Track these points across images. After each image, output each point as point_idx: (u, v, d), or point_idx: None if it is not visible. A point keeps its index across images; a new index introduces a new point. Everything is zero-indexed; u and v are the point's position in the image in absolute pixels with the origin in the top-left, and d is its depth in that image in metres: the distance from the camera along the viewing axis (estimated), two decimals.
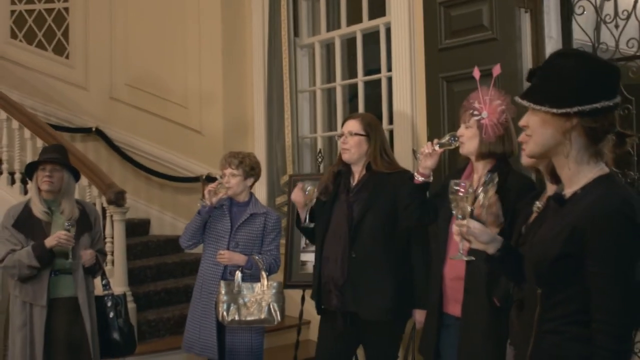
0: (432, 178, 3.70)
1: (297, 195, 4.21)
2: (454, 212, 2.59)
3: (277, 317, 4.40)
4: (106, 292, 4.55)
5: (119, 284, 5.78)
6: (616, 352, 2.11)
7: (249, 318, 4.36)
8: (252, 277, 4.44)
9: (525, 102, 2.29)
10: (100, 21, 8.13)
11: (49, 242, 4.20)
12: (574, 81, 2.23)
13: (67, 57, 8.37)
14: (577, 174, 2.25)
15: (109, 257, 5.96)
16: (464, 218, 2.55)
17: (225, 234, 4.52)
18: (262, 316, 4.37)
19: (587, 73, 2.23)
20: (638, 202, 2.15)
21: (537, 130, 2.27)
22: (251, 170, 4.62)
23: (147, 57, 7.85)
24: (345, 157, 4.17)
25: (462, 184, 2.60)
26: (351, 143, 4.13)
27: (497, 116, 3.37)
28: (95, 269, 4.48)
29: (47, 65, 8.38)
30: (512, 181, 3.37)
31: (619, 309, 2.10)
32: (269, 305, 4.37)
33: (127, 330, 4.58)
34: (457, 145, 3.58)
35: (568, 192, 2.28)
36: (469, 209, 2.62)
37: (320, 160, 6.35)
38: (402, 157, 5.42)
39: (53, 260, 4.26)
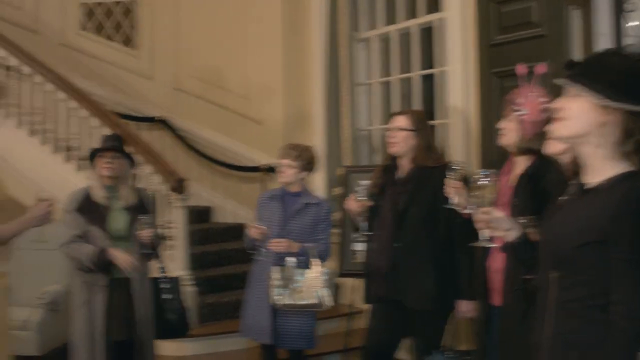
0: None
1: (350, 205, 4.36)
2: (477, 200, 2.70)
3: (327, 302, 4.57)
4: (162, 274, 4.75)
5: (180, 268, 6.02)
6: (635, 335, 2.16)
7: (299, 302, 4.54)
8: (303, 264, 4.60)
9: (574, 85, 2.30)
10: (166, 13, 8.38)
11: (114, 256, 4.41)
12: (627, 78, 2.26)
13: (134, 48, 8.67)
14: (604, 167, 2.28)
15: (171, 243, 6.20)
16: (486, 206, 2.67)
17: (278, 223, 4.70)
18: (312, 301, 4.54)
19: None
20: None
21: (575, 115, 2.28)
22: (307, 164, 4.75)
23: (211, 49, 8.07)
24: (393, 150, 4.31)
25: (486, 174, 2.71)
26: (399, 138, 4.26)
27: (538, 114, 3.44)
28: (149, 252, 4.66)
29: (115, 56, 8.69)
30: (550, 178, 3.44)
31: (638, 293, 2.18)
32: (318, 291, 4.54)
33: (181, 312, 4.77)
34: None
35: (591, 182, 2.32)
36: (491, 197, 2.73)
37: (375, 153, 6.46)
38: (456, 151, 5.52)
39: (110, 269, 4.46)
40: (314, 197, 4.84)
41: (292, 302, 4.53)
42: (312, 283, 4.55)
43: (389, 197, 4.29)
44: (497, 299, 3.60)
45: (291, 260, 4.55)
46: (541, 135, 3.45)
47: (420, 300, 4.13)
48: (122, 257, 4.40)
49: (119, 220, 4.55)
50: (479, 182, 2.84)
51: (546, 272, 2.36)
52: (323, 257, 4.68)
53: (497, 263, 3.57)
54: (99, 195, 4.56)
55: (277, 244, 4.55)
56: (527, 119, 3.46)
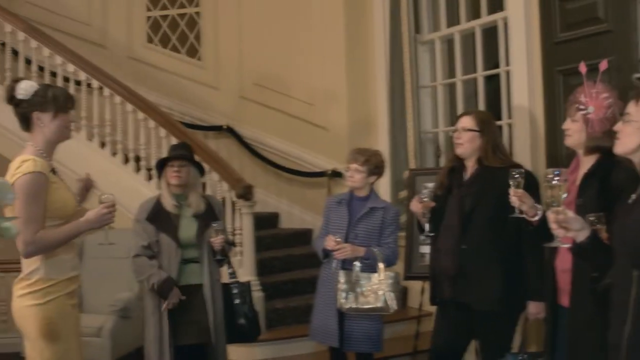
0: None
1: (415, 206, 4.31)
2: (548, 200, 2.67)
3: (393, 306, 4.55)
4: (232, 279, 4.80)
5: (247, 274, 6.08)
6: None
7: (365, 306, 4.53)
8: (369, 267, 4.60)
9: None
10: (230, 24, 8.47)
11: (172, 294, 4.51)
12: None
13: (199, 59, 8.80)
14: None
15: (238, 249, 6.27)
16: (559, 206, 2.63)
17: (344, 227, 4.70)
18: (378, 305, 4.53)
19: None
20: None
21: None
22: (375, 168, 4.75)
23: (274, 57, 8.13)
24: (459, 151, 4.27)
25: (557, 173, 2.67)
26: (464, 138, 4.22)
27: (604, 111, 3.37)
28: (221, 258, 4.72)
29: (181, 67, 8.83)
30: (617, 177, 3.37)
31: None
32: (385, 295, 4.53)
33: (252, 316, 4.82)
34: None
35: None
36: (563, 197, 2.69)
37: (439, 155, 6.43)
38: (521, 151, 5.46)
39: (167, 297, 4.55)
40: (380, 201, 4.83)
41: (357, 305, 4.53)
42: (378, 287, 4.55)
43: (455, 198, 4.25)
44: (565, 300, 3.55)
45: (357, 264, 4.56)
46: (609, 133, 3.39)
47: (487, 302, 4.08)
48: (175, 297, 4.51)
49: (189, 228, 4.62)
50: (552, 182, 2.80)
51: (625, 271, 2.31)
52: (390, 261, 4.68)
53: (565, 263, 3.52)
54: (169, 203, 4.64)
55: (341, 252, 4.56)
56: (594, 117, 3.40)
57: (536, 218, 3.68)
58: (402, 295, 4.73)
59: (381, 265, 4.56)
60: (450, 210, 4.25)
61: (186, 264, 4.61)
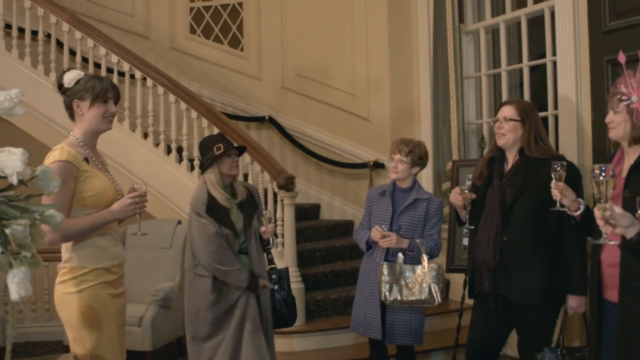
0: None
1: (455, 198, 4.24)
2: (595, 196, 2.60)
3: (438, 298, 4.52)
4: (271, 266, 4.79)
5: (288, 265, 6.04)
6: None
7: (410, 298, 4.50)
8: (413, 259, 4.56)
9: None
10: (272, 14, 8.46)
11: (262, 284, 4.55)
12: None
13: (241, 50, 8.78)
14: None
15: (279, 240, 6.26)
16: (606, 202, 2.56)
17: (387, 218, 4.66)
18: (423, 297, 4.50)
19: None
20: None
21: None
22: (419, 159, 4.72)
23: (316, 47, 8.10)
24: (500, 142, 4.20)
25: (604, 168, 2.60)
26: (506, 128, 4.15)
27: None
28: (269, 247, 4.73)
29: (224, 58, 8.83)
30: None
31: None
32: (429, 287, 4.49)
33: (290, 302, 4.80)
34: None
35: None
36: (610, 192, 2.62)
37: (483, 146, 6.36)
38: (567, 142, 5.37)
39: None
40: (424, 193, 4.78)
41: (401, 298, 4.50)
42: (422, 279, 4.51)
43: (496, 190, 4.18)
44: (611, 294, 3.47)
45: (400, 256, 4.52)
46: None
47: (528, 295, 4.02)
48: (264, 284, 4.56)
49: (238, 218, 4.60)
50: (598, 178, 2.74)
51: None
52: (433, 253, 4.65)
53: (612, 257, 3.44)
54: (223, 196, 4.58)
55: (386, 240, 4.51)
56: (637, 106, 3.31)
57: (578, 212, 3.61)
58: (445, 287, 4.68)
59: (425, 257, 4.52)
60: (490, 202, 4.18)
61: (238, 255, 4.56)
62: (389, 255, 4.61)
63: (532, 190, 4.02)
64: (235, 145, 4.76)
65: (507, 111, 4.19)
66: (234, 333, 4.45)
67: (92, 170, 3.48)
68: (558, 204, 3.53)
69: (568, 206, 3.54)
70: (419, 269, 4.54)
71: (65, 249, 3.42)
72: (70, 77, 3.49)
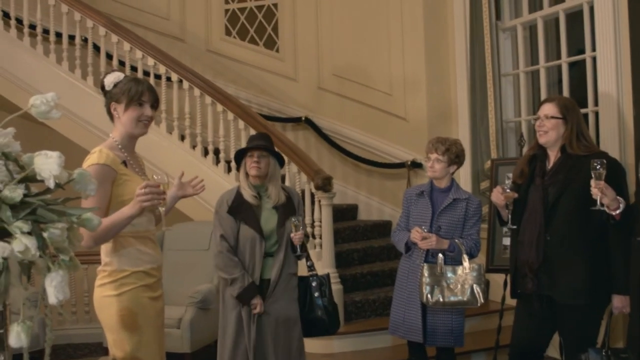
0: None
1: (496, 197, 4.17)
2: None
3: (480, 298, 4.46)
4: (311, 272, 4.75)
5: (326, 266, 6.05)
6: None
7: (452, 299, 4.44)
8: (453, 260, 4.51)
9: None
10: (307, 15, 8.45)
11: (253, 303, 4.47)
12: None
13: (277, 51, 8.79)
14: None
15: (317, 241, 6.23)
16: None
17: (427, 219, 4.60)
18: (465, 298, 4.44)
19: None
20: None
21: None
22: (456, 157, 4.65)
23: (352, 47, 8.07)
24: (542, 140, 4.12)
25: None
26: (548, 126, 4.08)
27: None
28: (301, 254, 4.62)
29: (259, 59, 8.84)
30: None
31: None
32: (471, 287, 4.43)
33: (332, 309, 4.74)
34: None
35: None
36: None
37: (522, 144, 6.28)
38: (608, 139, 5.28)
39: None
40: (463, 192, 4.71)
41: (444, 299, 4.44)
42: (464, 279, 4.45)
43: (538, 188, 4.11)
44: None
45: (441, 257, 4.47)
46: None
47: (572, 295, 3.95)
48: (257, 305, 4.48)
49: (269, 220, 4.57)
50: None
51: None
52: (473, 253, 4.58)
53: None
54: (249, 194, 4.59)
55: (427, 242, 4.46)
56: None
57: (618, 211, 3.53)
58: (486, 288, 4.62)
59: (466, 257, 4.46)
60: (533, 201, 4.12)
61: (267, 257, 4.56)
62: (429, 256, 4.56)
63: (574, 188, 3.94)
64: (266, 146, 4.71)
65: (548, 109, 4.12)
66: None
67: (130, 173, 3.46)
68: (599, 203, 3.46)
69: (607, 205, 3.47)
70: (460, 269, 4.48)
71: (105, 252, 3.41)
72: (110, 80, 3.49)
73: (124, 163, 3.47)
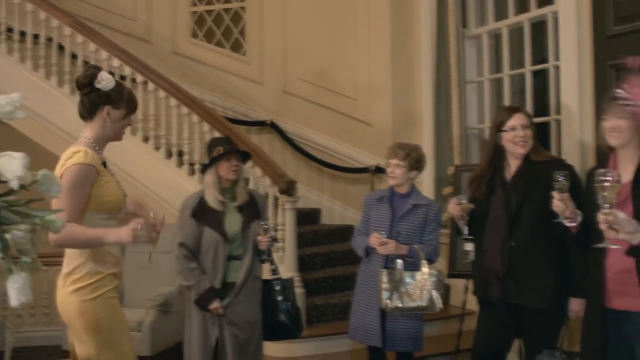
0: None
1: (452, 208, 4.22)
2: (599, 201, 2.60)
3: (439, 304, 4.48)
4: (274, 276, 4.75)
5: (289, 270, 6.06)
6: None
7: (411, 305, 4.46)
8: (412, 265, 4.52)
9: None
10: (275, 19, 8.46)
11: (214, 306, 4.47)
12: None
13: (243, 54, 8.80)
14: None
15: (280, 244, 6.24)
16: (610, 207, 2.56)
17: (386, 224, 4.61)
18: (424, 303, 4.46)
19: None
20: None
21: None
22: (416, 163, 4.64)
23: (319, 52, 8.10)
24: (523, 150, 4.08)
25: (609, 175, 2.60)
26: (528, 135, 4.08)
27: None
28: (267, 258, 4.64)
29: (226, 63, 8.83)
30: None
31: None
32: (430, 293, 4.45)
33: (295, 313, 4.76)
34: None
35: None
36: (614, 198, 2.62)
37: None
38: (569, 147, 5.35)
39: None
40: (423, 198, 4.73)
41: (402, 305, 4.45)
42: (422, 285, 4.47)
43: (500, 197, 4.14)
44: (617, 303, 3.43)
45: (400, 262, 4.49)
46: None
47: (540, 299, 3.99)
48: (217, 309, 4.48)
49: (234, 223, 4.57)
50: (603, 184, 2.74)
51: None
52: (432, 259, 4.60)
53: (621, 264, 3.40)
54: (214, 199, 4.58)
55: (386, 247, 4.48)
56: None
57: (574, 224, 3.56)
58: (445, 293, 4.64)
59: (424, 263, 4.49)
60: (495, 209, 4.15)
61: (230, 260, 4.55)
62: (388, 261, 4.55)
63: (536, 194, 3.99)
64: (238, 150, 4.73)
65: (523, 119, 4.13)
66: None
67: (108, 175, 3.44)
68: (561, 216, 3.50)
69: (569, 217, 3.51)
70: (418, 275, 4.49)
71: (78, 254, 3.33)
72: (106, 80, 3.41)
73: (104, 164, 3.46)
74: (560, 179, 3.45)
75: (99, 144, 3.46)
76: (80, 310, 3.29)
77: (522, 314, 4.08)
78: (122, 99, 3.47)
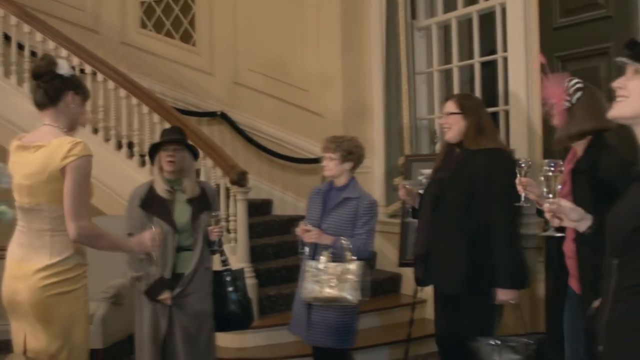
0: None
1: (402, 194, 4.40)
2: (544, 190, 2.67)
3: (357, 296, 4.35)
4: (225, 267, 4.74)
5: (240, 260, 6.05)
6: None
7: (325, 296, 4.37)
8: (340, 258, 4.41)
9: (635, 64, 2.23)
10: (225, 9, 8.42)
11: (164, 296, 4.44)
12: None
13: (193, 45, 8.73)
14: None
15: (232, 235, 6.23)
16: (554, 196, 2.62)
17: (317, 217, 4.60)
18: (343, 294, 4.34)
19: None
20: None
21: (635, 94, 2.22)
22: (348, 154, 4.58)
23: (269, 42, 8.08)
24: (447, 136, 4.27)
25: (552, 164, 2.67)
26: (450, 122, 4.22)
27: (560, 99, 3.47)
28: (217, 249, 4.65)
29: (175, 53, 8.77)
30: (603, 161, 3.36)
31: None
32: (351, 285, 4.34)
33: (245, 304, 4.75)
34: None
35: None
36: (558, 187, 2.68)
37: (435, 141, 6.40)
38: (517, 138, 5.45)
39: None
40: (356, 191, 4.62)
41: (319, 296, 4.39)
42: (343, 277, 4.39)
43: (433, 182, 4.29)
44: (574, 284, 3.54)
45: (325, 254, 4.43)
46: (573, 117, 3.48)
47: (452, 285, 4.09)
48: (166, 300, 4.45)
49: (183, 213, 4.55)
50: (547, 173, 2.80)
51: (610, 259, 2.30)
52: (360, 253, 4.45)
53: (568, 250, 3.53)
54: (161, 189, 4.56)
55: (309, 234, 4.47)
56: (559, 108, 3.49)
57: (540, 207, 3.66)
58: (370, 286, 4.53)
59: (349, 256, 4.40)
60: (426, 195, 4.30)
61: (180, 252, 4.53)
62: (317, 254, 4.50)
63: (460, 181, 4.09)
64: (180, 139, 4.68)
65: (449, 106, 4.28)
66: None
67: None
68: (522, 199, 3.56)
69: (536, 201, 3.58)
70: (340, 267, 4.38)
71: (69, 246, 3.38)
72: (66, 66, 3.47)
73: None
74: (522, 164, 3.51)
75: (70, 131, 3.49)
76: (66, 300, 3.35)
77: (446, 299, 4.19)
78: (80, 85, 3.52)
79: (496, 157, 4.03)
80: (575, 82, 3.51)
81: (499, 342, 3.93)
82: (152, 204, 4.52)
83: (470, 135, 4.16)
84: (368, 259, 4.73)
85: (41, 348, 3.35)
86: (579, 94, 3.47)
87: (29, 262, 3.35)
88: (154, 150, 4.63)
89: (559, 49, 5.00)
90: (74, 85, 3.47)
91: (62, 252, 3.37)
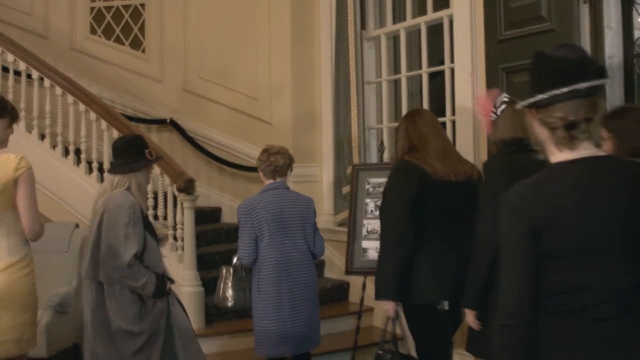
0: None
1: None
2: None
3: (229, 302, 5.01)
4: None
5: (187, 268, 6.03)
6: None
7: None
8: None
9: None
10: (175, 16, 8.38)
11: (170, 286, 4.50)
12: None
13: (143, 52, 8.66)
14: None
15: (179, 243, 6.21)
16: None
17: None
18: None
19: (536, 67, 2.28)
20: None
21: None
22: (260, 164, 5.19)
23: (219, 50, 8.06)
24: None
25: None
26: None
27: (487, 111, 3.76)
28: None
29: (125, 60, 8.68)
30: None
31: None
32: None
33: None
34: None
35: None
36: None
37: (382, 150, 6.45)
38: (464, 147, 5.50)
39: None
40: None
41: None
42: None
43: None
44: None
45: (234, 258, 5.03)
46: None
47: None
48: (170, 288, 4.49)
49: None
50: None
51: None
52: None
53: None
54: (144, 200, 4.59)
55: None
56: (487, 120, 3.78)
57: None
58: (344, 290, 4.65)
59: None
60: None
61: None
62: None
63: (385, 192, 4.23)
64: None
65: None
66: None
67: None
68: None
69: None
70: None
71: (26, 243, 3.99)
72: None
73: None
74: None
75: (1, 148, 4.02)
76: (31, 290, 3.97)
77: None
78: (5, 110, 4.02)
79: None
80: (503, 97, 3.73)
81: (389, 356, 4.35)
82: (143, 219, 4.42)
83: (398, 152, 4.34)
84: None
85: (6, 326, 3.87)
86: (503, 106, 3.67)
87: None
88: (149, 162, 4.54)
89: (503, 61, 5.09)
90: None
91: (22, 250, 3.94)
